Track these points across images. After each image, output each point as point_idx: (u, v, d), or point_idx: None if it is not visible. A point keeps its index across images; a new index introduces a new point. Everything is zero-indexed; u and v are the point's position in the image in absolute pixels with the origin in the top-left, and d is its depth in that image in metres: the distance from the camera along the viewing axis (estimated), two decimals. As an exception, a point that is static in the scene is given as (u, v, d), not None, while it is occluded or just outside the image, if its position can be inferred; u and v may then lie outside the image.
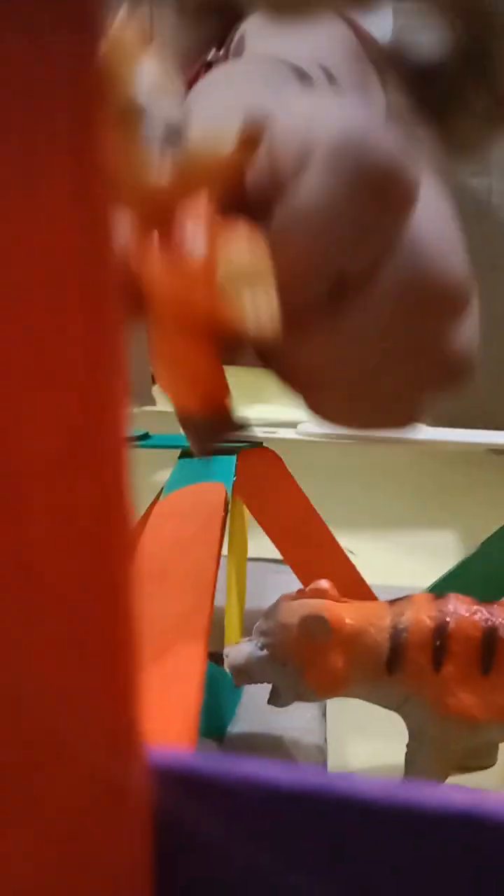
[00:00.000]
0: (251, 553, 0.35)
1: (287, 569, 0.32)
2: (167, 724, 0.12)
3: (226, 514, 0.21)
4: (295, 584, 0.32)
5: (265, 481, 0.30)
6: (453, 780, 0.24)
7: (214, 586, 0.17)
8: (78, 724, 0.07)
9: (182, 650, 0.14)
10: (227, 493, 0.23)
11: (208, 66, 0.73)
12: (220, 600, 0.32)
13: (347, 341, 0.21)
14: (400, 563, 0.40)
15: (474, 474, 0.51)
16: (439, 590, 0.30)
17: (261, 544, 0.32)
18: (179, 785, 0.08)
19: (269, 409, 0.59)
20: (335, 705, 0.28)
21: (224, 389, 0.21)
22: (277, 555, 0.32)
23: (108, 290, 0.07)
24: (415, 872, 0.08)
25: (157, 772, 0.08)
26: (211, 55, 0.74)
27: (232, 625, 0.30)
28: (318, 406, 0.23)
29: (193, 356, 0.20)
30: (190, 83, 0.86)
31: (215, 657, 0.25)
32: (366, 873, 0.08)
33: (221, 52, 0.73)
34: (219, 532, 0.19)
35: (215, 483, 0.24)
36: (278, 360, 0.23)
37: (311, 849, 0.08)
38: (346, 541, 0.32)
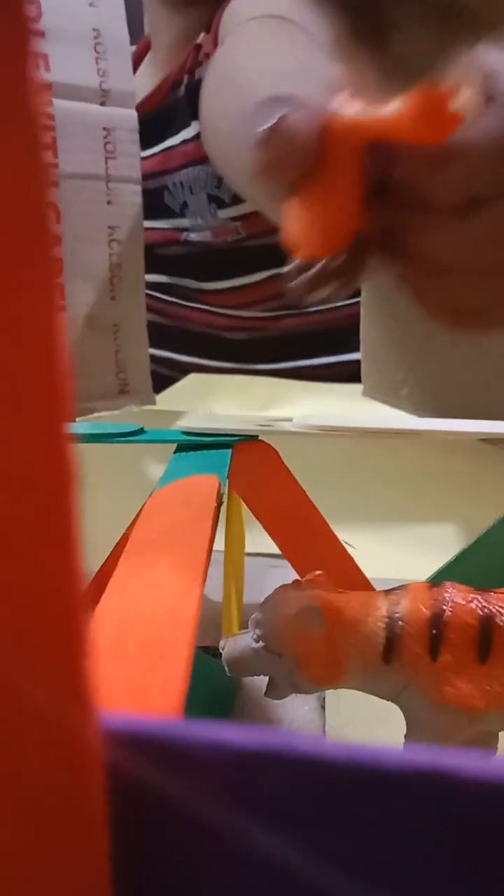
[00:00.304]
0: (249, 548, 0.35)
1: (286, 563, 0.32)
2: (151, 710, 0.12)
3: (218, 505, 0.21)
4: (294, 578, 0.32)
5: (261, 474, 0.29)
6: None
7: (205, 575, 0.17)
8: (29, 675, 0.07)
9: (169, 637, 0.14)
10: (220, 484, 0.22)
11: (198, 48, 0.74)
12: (217, 596, 0.32)
13: (474, 241, 0.28)
14: (399, 556, 0.40)
15: (473, 467, 0.51)
16: (438, 581, 0.30)
17: (259, 539, 0.32)
18: (137, 748, 0.08)
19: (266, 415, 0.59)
20: (334, 697, 0.28)
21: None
22: (276, 549, 0.32)
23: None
24: (381, 832, 0.08)
25: (114, 736, 0.08)
26: (200, 38, 0.75)
27: (230, 620, 0.30)
28: (431, 291, 0.31)
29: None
30: (186, 65, 0.86)
31: (213, 651, 0.25)
32: (332, 833, 0.08)
33: (210, 35, 0.73)
34: (210, 522, 0.19)
35: (209, 475, 0.24)
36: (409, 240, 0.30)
37: (275, 809, 0.08)
38: (344, 534, 0.32)
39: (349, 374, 0.62)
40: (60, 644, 0.08)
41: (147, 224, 0.81)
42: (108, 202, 0.64)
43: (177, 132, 0.75)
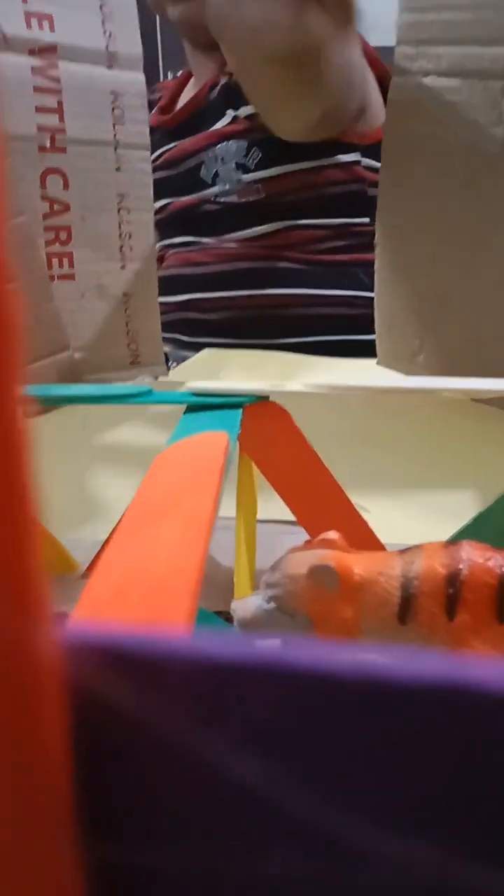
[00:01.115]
0: (262, 515, 0.34)
1: (299, 530, 0.31)
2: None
3: (226, 460, 0.20)
4: (305, 540, 0.31)
5: (272, 436, 0.29)
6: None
7: (210, 528, 0.16)
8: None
9: (172, 587, 0.13)
10: (228, 441, 0.22)
11: (215, 84, 0.87)
12: (229, 562, 0.31)
13: None
14: (414, 521, 0.39)
15: (488, 431, 0.50)
16: (454, 545, 0.30)
17: (272, 506, 0.32)
18: (101, 661, 0.08)
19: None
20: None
21: None
22: (289, 516, 0.31)
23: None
24: (382, 755, 0.07)
25: (76, 648, 0.08)
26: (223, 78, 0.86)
27: (242, 586, 0.29)
28: None
29: None
30: (200, 98, 0.95)
31: (225, 616, 0.24)
32: (324, 758, 0.07)
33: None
34: (217, 477, 0.18)
35: (217, 432, 0.23)
36: None
37: (258, 730, 0.07)
38: (358, 499, 0.31)
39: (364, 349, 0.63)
40: (5, 554, 0.07)
41: (184, 198, 0.92)
42: (117, 169, 0.63)
43: (215, 121, 0.90)
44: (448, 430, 0.51)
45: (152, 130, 0.94)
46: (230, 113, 0.89)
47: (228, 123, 0.89)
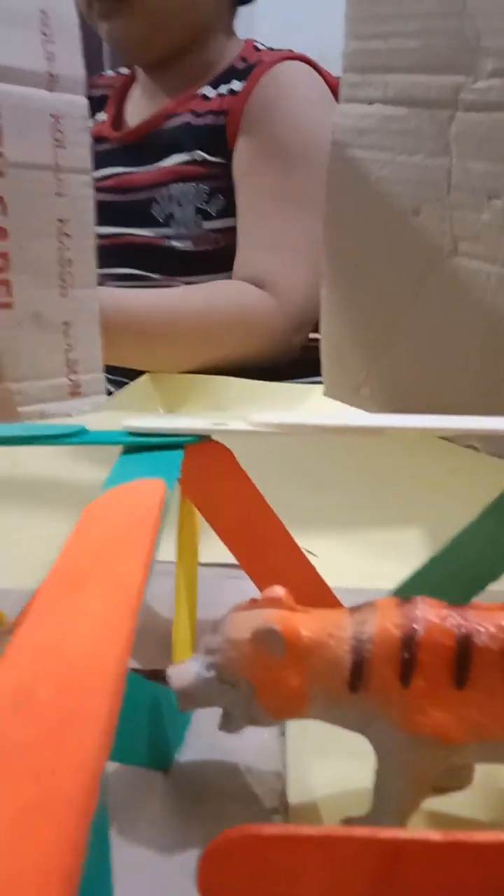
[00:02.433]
0: (205, 558, 0.32)
1: (243, 574, 0.29)
2: (57, 784, 0.09)
3: (161, 513, 0.18)
4: (252, 591, 0.30)
5: (215, 478, 0.27)
6: (425, 804, 0.21)
7: (140, 595, 0.14)
8: None
9: (89, 685, 0.11)
10: (165, 489, 0.20)
11: (204, 98, 0.90)
12: (168, 611, 0.29)
13: None
14: (364, 563, 0.37)
15: (436, 466, 0.49)
16: (407, 591, 0.28)
17: (214, 549, 0.30)
18: None
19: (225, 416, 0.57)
20: (296, 724, 0.25)
21: None
22: (233, 559, 0.29)
23: None
24: None
25: None
26: (206, 90, 0.90)
27: (181, 639, 0.27)
28: None
29: None
30: (189, 107, 0.99)
31: (160, 676, 0.22)
32: None
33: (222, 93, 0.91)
34: (151, 532, 0.16)
35: (153, 479, 0.21)
36: None
37: None
38: (304, 541, 0.29)
39: None
40: None
41: (132, 231, 0.90)
42: (58, 194, 0.61)
43: (170, 154, 0.87)
44: (398, 466, 0.50)
45: (97, 140, 0.93)
46: (195, 153, 0.85)
47: (188, 163, 0.86)
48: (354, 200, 0.52)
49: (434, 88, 0.46)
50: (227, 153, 0.84)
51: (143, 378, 0.70)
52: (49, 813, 0.09)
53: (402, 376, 0.53)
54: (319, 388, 0.58)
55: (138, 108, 0.93)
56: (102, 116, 0.95)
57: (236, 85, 0.84)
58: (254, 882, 0.15)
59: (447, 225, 0.48)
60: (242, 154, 0.83)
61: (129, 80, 0.96)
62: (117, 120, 0.94)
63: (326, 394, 0.58)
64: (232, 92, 0.84)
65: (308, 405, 0.60)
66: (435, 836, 0.15)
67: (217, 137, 0.84)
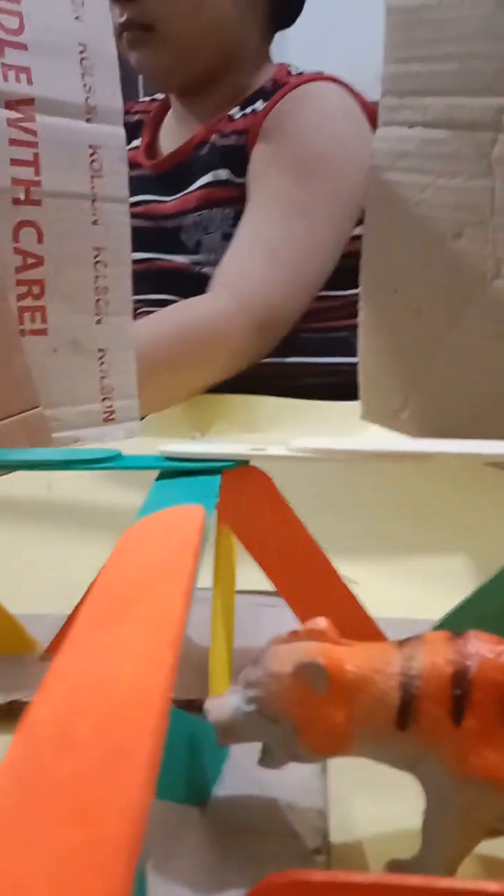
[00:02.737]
0: (241, 585, 0.31)
1: (282, 602, 0.29)
2: (102, 827, 0.09)
3: (201, 540, 0.18)
4: (291, 619, 0.29)
5: (253, 504, 0.26)
6: (478, 848, 0.20)
7: (183, 627, 0.13)
8: None
9: (131, 721, 0.10)
10: (204, 516, 0.19)
11: (230, 118, 0.91)
12: (205, 640, 0.29)
13: None
14: (407, 591, 0.36)
15: (483, 493, 0.48)
16: (453, 623, 0.27)
17: (252, 575, 0.29)
18: None
19: (261, 438, 0.56)
20: (338, 760, 0.24)
21: None
22: (271, 586, 0.29)
23: None
24: None
25: None
26: (234, 111, 0.93)
27: (218, 668, 0.26)
28: None
29: None
30: (216, 128, 1.02)
31: (198, 707, 0.21)
32: None
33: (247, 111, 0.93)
34: (191, 561, 0.16)
35: (192, 506, 0.20)
36: None
37: None
38: (345, 569, 0.28)
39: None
40: None
41: (164, 257, 0.90)
42: (94, 222, 0.61)
43: (196, 181, 0.87)
44: (441, 492, 0.49)
45: (132, 166, 0.93)
46: (219, 173, 0.85)
47: (212, 184, 0.86)
48: (393, 224, 0.52)
49: (475, 110, 0.46)
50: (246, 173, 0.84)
51: None
52: (94, 860, 0.09)
53: (443, 400, 0.52)
54: (355, 408, 0.58)
55: (172, 136, 0.94)
56: (136, 143, 0.96)
57: (259, 105, 0.85)
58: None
59: (490, 248, 0.47)
60: (255, 163, 0.83)
61: (165, 107, 0.97)
62: (151, 147, 0.95)
63: (364, 417, 0.57)
64: (255, 112, 0.84)
65: (345, 427, 0.59)
66: (494, 886, 0.14)
67: (239, 156, 0.84)
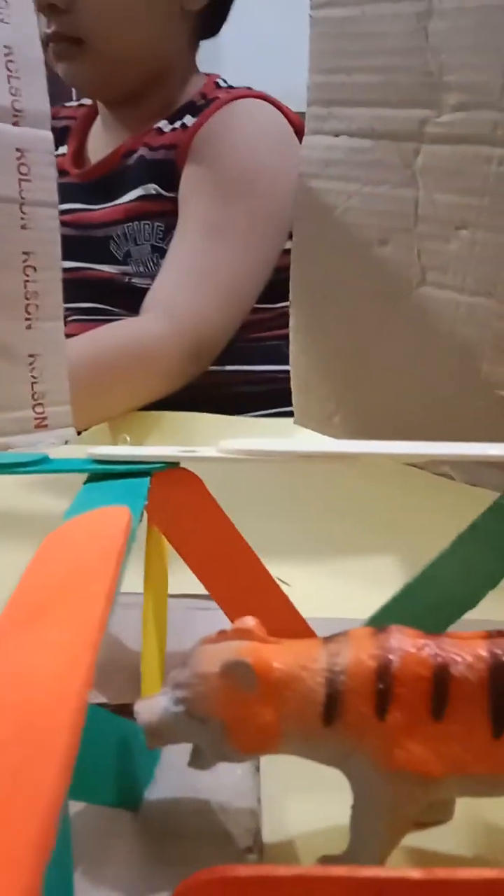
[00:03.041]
0: (174, 589, 0.31)
1: (214, 605, 0.29)
2: (10, 828, 0.09)
3: (126, 541, 0.18)
4: (224, 622, 0.29)
5: (184, 506, 0.26)
6: (405, 840, 0.20)
7: (103, 626, 0.13)
8: None
9: (48, 724, 0.10)
10: (130, 517, 0.19)
11: (159, 131, 0.90)
12: (136, 644, 0.28)
13: None
14: (337, 592, 0.37)
15: (412, 496, 0.49)
16: (381, 620, 0.27)
17: (183, 579, 0.29)
18: None
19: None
20: (270, 759, 0.24)
21: None
22: (203, 590, 0.29)
23: None
24: None
25: None
26: (162, 124, 0.91)
27: (150, 672, 0.26)
28: None
29: None
30: (143, 140, 1.01)
31: (130, 711, 0.21)
32: None
33: (175, 126, 0.92)
34: (114, 562, 0.16)
35: (117, 507, 0.20)
36: None
37: None
38: (276, 570, 0.29)
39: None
40: None
41: (94, 266, 0.89)
42: (23, 226, 0.61)
43: (125, 193, 0.87)
44: (371, 495, 0.49)
45: (61, 173, 0.92)
46: (148, 187, 0.85)
47: (142, 198, 0.86)
48: (322, 231, 0.52)
49: (398, 121, 0.47)
50: (177, 188, 0.84)
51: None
52: (2, 856, 0.09)
53: (373, 405, 0.53)
54: (290, 422, 0.58)
55: (99, 144, 0.93)
56: (63, 150, 0.95)
57: (189, 120, 0.84)
58: (227, 928, 0.15)
59: (415, 255, 0.48)
60: (184, 184, 0.82)
61: (92, 113, 0.96)
62: (78, 154, 0.94)
63: (297, 422, 0.57)
64: (184, 126, 0.84)
65: (281, 437, 0.60)
66: (416, 874, 0.14)
67: (169, 171, 0.84)
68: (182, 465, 0.26)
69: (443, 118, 0.46)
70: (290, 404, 0.58)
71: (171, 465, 0.26)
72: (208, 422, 0.67)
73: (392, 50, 0.46)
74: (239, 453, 0.25)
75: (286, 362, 0.58)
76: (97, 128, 0.95)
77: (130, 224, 0.86)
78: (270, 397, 0.83)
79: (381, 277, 0.50)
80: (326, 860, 0.20)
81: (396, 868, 0.15)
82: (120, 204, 0.87)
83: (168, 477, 0.26)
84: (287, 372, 0.58)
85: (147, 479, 0.25)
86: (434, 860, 0.21)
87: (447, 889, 0.15)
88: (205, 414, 0.68)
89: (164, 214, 0.84)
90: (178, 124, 0.85)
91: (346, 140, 0.50)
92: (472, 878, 0.15)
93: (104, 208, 0.88)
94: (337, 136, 0.50)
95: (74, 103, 1.01)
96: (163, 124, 0.86)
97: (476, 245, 0.46)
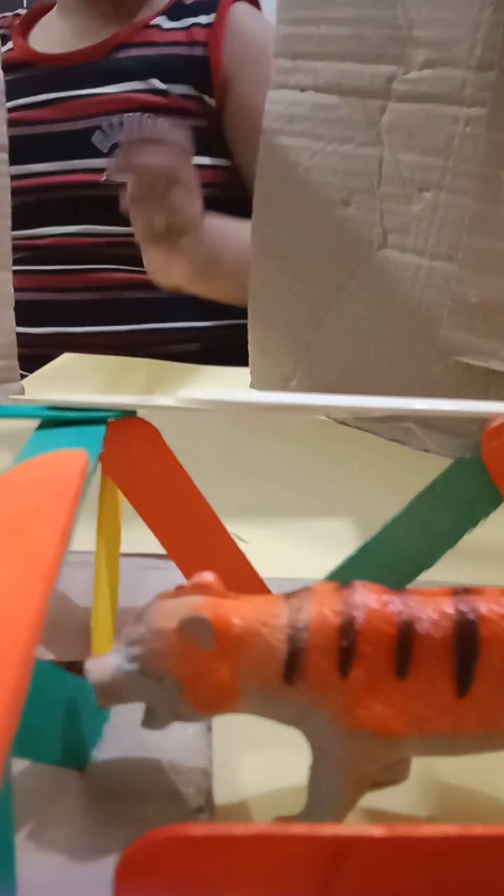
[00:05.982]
0: (127, 547, 0.30)
1: (168, 564, 0.28)
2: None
3: (83, 483, 0.17)
4: (178, 581, 0.28)
5: (140, 457, 0.25)
6: (364, 800, 0.20)
7: (57, 565, 0.12)
8: None
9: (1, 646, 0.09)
10: (87, 460, 0.18)
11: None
12: (87, 601, 0.28)
13: None
14: (294, 552, 0.36)
15: (368, 460, 0.48)
16: (337, 579, 0.27)
17: (137, 537, 0.28)
18: None
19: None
20: (223, 717, 0.24)
21: None
22: (156, 548, 0.28)
23: None
24: None
25: None
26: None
27: (101, 629, 0.25)
28: None
29: None
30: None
31: (79, 668, 0.20)
32: None
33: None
34: (70, 502, 0.15)
35: (74, 450, 0.19)
36: None
37: None
38: (234, 528, 0.28)
39: None
40: None
41: (71, 165, 0.86)
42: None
43: (119, 82, 0.86)
44: (328, 456, 0.49)
45: (20, 66, 0.90)
46: (150, 82, 0.84)
47: (142, 91, 0.85)
48: (284, 189, 0.51)
49: (365, 77, 0.46)
50: (209, 87, 0.84)
51: (62, 357, 0.67)
52: None
53: (329, 370, 0.52)
54: (244, 374, 0.57)
55: (62, 36, 0.91)
56: (8, 47, 0.92)
57: (202, 19, 0.85)
58: (179, 889, 0.14)
59: (377, 217, 0.47)
60: (238, 81, 0.83)
61: (40, 10, 0.95)
62: (25, 48, 0.91)
63: (253, 386, 0.57)
64: (197, 25, 0.85)
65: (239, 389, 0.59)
66: (378, 831, 0.14)
67: (197, 69, 0.84)
68: (140, 415, 0.25)
69: (410, 75, 0.45)
70: (227, 363, 0.57)
71: (129, 414, 0.25)
72: (161, 368, 0.65)
73: (361, 1, 0.45)
74: (198, 403, 0.24)
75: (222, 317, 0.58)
76: (55, 20, 0.93)
77: (126, 114, 0.83)
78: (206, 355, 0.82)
79: (342, 239, 0.49)
80: (282, 821, 0.19)
81: (357, 825, 0.14)
82: (114, 94, 0.86)
83: (124, 426, 0.25)
84: (223, 328, 0.57)
85: (102, 428, 0.24)
86: (389, 820, 0.21)
87: (409, 846, 0.14)
88: (161, 362, 0.67)
89: (170, 110, 0.83)
90: (186, 22, 0.86)
91: (312, 95, 0.49)
92: (434, 836, 0.14)
93: (94, 96, 0.87)
94: (302, 90, 0.49)
95: (9, 14, 0.98)
96: (161, 21, 0.87)
97: (439, 208, 0.45)
